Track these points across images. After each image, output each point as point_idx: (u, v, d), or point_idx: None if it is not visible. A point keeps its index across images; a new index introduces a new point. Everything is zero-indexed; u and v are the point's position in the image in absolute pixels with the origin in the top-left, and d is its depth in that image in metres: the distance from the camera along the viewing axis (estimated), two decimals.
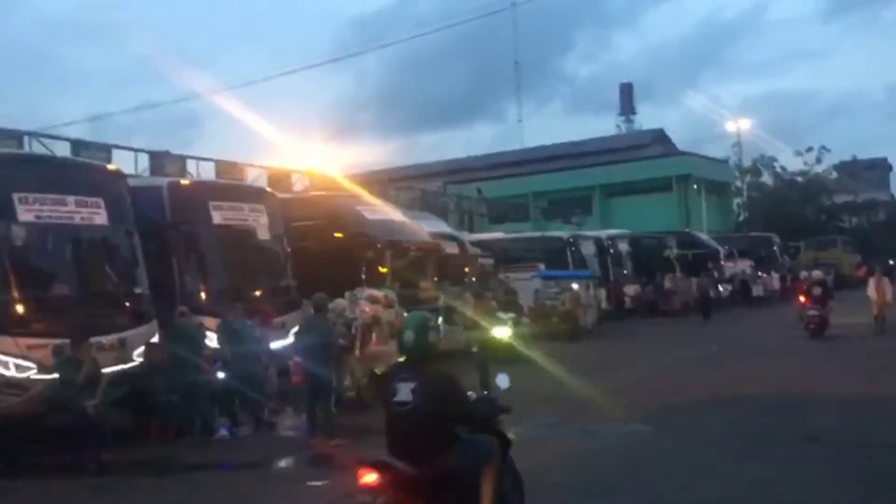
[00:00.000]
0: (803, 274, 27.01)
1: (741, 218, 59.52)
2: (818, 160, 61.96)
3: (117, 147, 22.74)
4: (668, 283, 29.10)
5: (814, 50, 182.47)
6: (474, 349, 12.88)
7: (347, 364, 11.16)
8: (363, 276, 14.18)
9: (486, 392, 11.79)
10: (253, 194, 13.81)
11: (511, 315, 14.81)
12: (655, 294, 29.06)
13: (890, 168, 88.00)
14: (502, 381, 5.60)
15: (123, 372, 9.83)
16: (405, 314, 12.52)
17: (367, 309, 11.79)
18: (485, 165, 58.12)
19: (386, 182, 32.97)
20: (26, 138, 16.92)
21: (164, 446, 9.56)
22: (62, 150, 16.71)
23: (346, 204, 15.88)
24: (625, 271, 28.32)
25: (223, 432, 10.23)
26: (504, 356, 13.44)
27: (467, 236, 25.04)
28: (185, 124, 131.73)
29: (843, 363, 15.08)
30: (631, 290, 28.13)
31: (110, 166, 11.26)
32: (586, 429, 9.88)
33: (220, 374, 10.50)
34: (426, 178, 46.80)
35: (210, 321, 11.43)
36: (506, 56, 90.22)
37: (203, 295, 11.97)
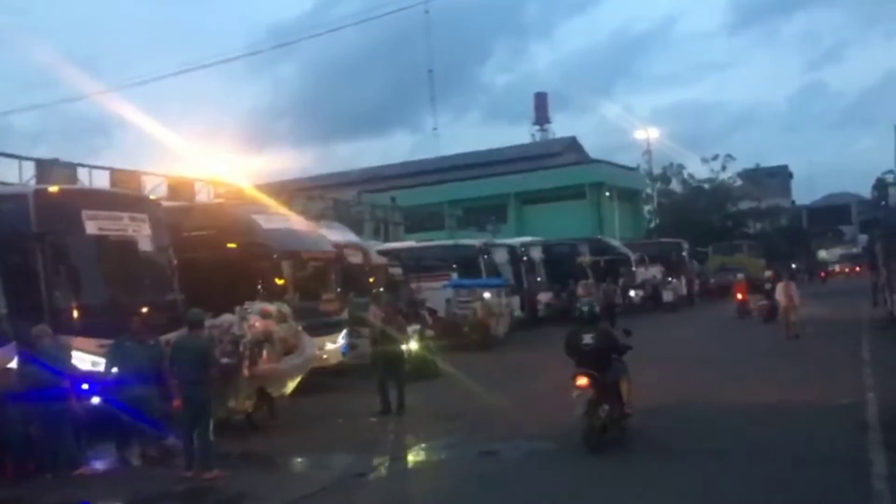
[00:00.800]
0: (740, 275, 30.80)
1: (652, 224, 60.72)
2: (723, 168, 64.21)
3: None
4: (580, 290, 28.95)
5: (720, 62, 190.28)
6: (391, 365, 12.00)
7: (233, 384, 10.27)
8: (259, 289, 13.31)
9: (393, 410, 11.21)
10: (133, 202, 12.71)
11: (415, 327, 14.15)
12: (569, 301, 28.88)
13: (791, 175, 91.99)
14: (624, 335, 9.66)
15: None
16: (300, 328, 11.78)
17: (257, 324, 10.89)
18: (400, 174, 57.68)
19: (293, 192, 31.90)
20: None
21: (19, 484, 8.50)
22: None
23: (240, 212, 14.89)
24: (538, 279, 28.10)
25: (92, 466, 9.23)
26: (412, 369, 12.82)
27: (381, 245, 24.34)
28: (91, 132, 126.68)
29: (755, 368, 15.06)
30: (544, 297, 27.92)
31: None
32: (489, 448, 9.33)
33: (95, 400, 9.50)
34: (341, 187, 45.99)
35: (81, 341, 10.41)
36: (423, 65, 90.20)
37: (74, 312, 10.84)
